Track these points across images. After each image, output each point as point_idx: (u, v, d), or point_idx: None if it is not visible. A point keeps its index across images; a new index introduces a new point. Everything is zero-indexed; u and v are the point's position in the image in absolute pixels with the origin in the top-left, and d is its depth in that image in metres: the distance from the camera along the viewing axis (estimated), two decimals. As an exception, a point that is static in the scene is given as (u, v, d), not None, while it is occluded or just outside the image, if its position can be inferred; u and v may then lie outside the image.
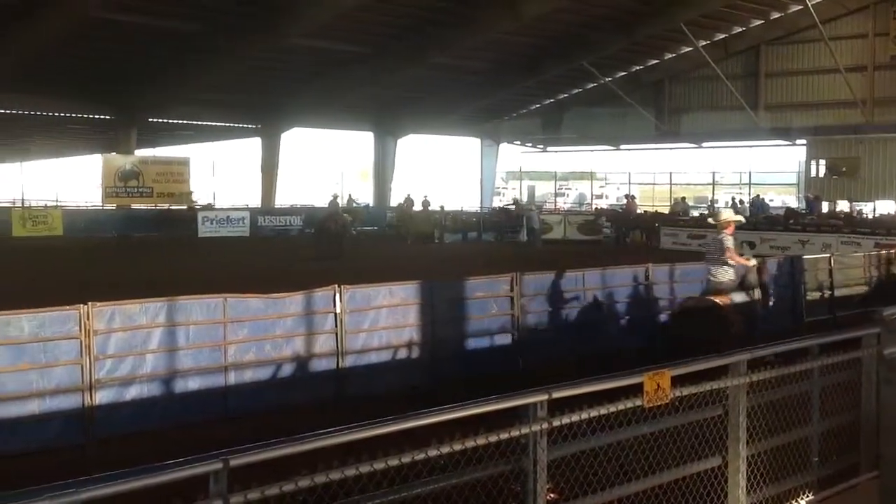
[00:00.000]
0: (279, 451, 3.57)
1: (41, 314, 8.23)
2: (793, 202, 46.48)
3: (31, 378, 8.10)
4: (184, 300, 9.35)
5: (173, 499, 3.31)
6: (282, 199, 44.99)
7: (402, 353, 11.11)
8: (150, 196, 40.36)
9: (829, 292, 16.77)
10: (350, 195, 39.16)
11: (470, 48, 35.42)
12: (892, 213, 37.49)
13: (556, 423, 4.64)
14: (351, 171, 56.07)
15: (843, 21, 38.14)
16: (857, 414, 6.78)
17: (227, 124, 45.14)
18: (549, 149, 52.15)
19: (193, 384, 9.28)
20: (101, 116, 40.06)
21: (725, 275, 11.67)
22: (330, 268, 21.05)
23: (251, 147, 47.10)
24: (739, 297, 11.74)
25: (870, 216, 37.19)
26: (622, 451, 5.37)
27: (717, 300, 11.51)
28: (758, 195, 43.49)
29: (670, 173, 48.79)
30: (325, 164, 61.81)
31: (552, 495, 4.91)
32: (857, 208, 38.95)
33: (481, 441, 4.20)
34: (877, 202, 39.73)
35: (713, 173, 47.56)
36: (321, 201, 40.16)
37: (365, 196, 48.15)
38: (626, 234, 37.08)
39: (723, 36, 40.34)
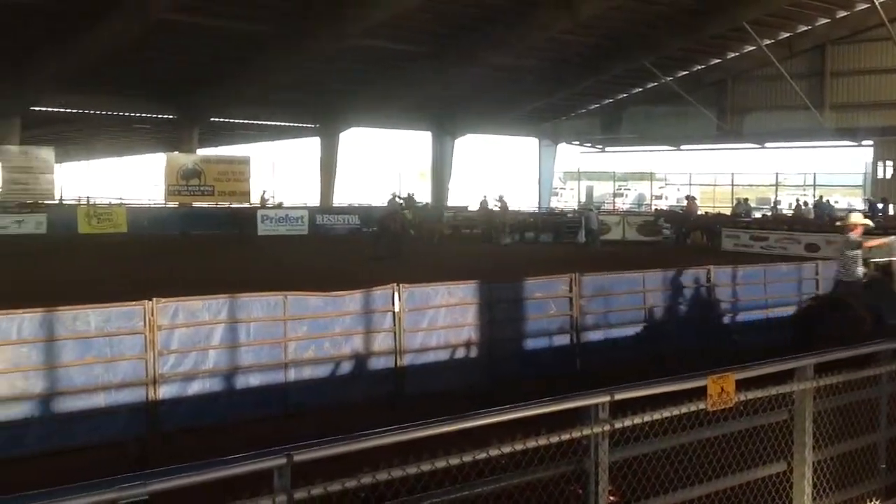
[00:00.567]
0: (342, 447, 3.58)
1: (107, 309, 8.39)
2: (858, 204, 45.51)
3: (98, 372, 8.26)
4: (245, 297, 9.45)
5: (235, 494, 3.34)
6: (340, 199, 45.35)
7: (460, 353, 11.11)
8: (210, 194, 40.94)
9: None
10: (411, 194, 39.20)
11: (528, 47, 35.30)
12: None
13: (618, 425, 4.60)
14: (409, 170, 56.27)
15: (911, 19, 37.22)
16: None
17: (287, 124, 45.61)
18: (607, 149, 51.70)
19: (254, 380, 9.37)
20: (165, 116, 40.80)
21: (856, 273, 11.55)
22: (389, 267, 21.16)
23: (310, 146, 47.58)
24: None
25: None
26: (684, 455, 5.30)
27: (847, 298, 11.42)
28: (822, 197, 42.68)
29: (732, 174, 48.09)
30: (382, 164, 62.10)
31: (613, 498, 4.87)
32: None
33: (543, 442, 4.18)
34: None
35: (776, 174, 46.76)
36: (379, 201, 40.35)
37: (423, 196, 48.28)
38: (686, 235, 36.61)
39: (787, 35, 39.59)
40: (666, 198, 56.72)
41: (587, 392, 4.56)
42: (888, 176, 39.77)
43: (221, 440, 8.19)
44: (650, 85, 44.06)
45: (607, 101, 47.28)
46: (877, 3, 33.89)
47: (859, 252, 11.64)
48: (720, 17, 35.04)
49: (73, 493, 2.89)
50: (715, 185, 50.28)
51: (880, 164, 39.97)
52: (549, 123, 50.04)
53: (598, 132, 49.68)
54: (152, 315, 8.51)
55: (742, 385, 5.14)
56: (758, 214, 41.20)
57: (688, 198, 42.12)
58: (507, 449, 4.04)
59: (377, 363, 10.34)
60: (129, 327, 8.46)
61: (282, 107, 41.84)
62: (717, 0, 33.97)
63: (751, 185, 51.78)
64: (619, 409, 4.69)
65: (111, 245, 30.63)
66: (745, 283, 14.12)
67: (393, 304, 10.37)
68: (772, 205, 46.66)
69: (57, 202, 40.12)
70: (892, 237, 12.38)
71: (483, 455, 3.95)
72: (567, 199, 58.00)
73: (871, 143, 40.14)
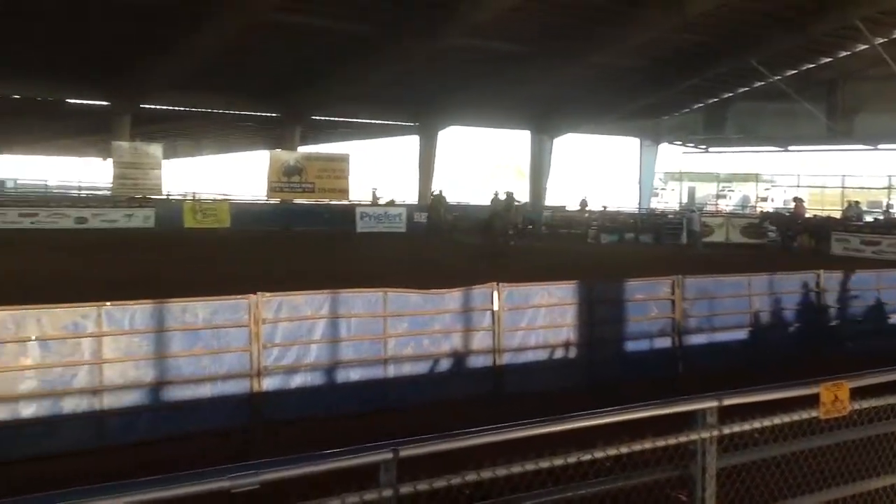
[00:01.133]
0: (448, 443, 3.58)
1: (214, 302, 8.59)
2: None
3: (205, 363, 8.46)
4: (346, 293, 9.56)
5: (338, 487, 3.37)
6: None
7: (559, 353, 11.03)
8: (311, 191, 41.60)
9: None
10: (511, 193, 39.07)
11: (633, 46, 34.81)
12: None
13: (726, 430, 4.50)
14: (506, 169, 56.26)
15: None
16: None
17: (387, 122, 46.05)
18: (711, 149, 50.66)
19: (354, 375, 9.48)
20: (268, 114, 41.70)
21: None
22: (489, 265, 21.17)
23: (409, 144, 47.98)
24: None
25: None
26: (794, 463, 5.16)
27: None
28: (937, 200, 41.03)
29: (842, 176, 46.54)
30: (480, 162, 62.22)
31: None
32: None
33: (649, 445, 4.11)
34: None
35: (889, 177, 45.05)
36: (477, 199, 40.40)
37: (521, 195, 48.18)
38: (792, 238, 35.61)
39: (902, 33, 38.13)
40: (772, 200, 55.27)
41: (695, 396, 4.47)
42: None
43: (322, 433, 8.32)
44: (757, 84, 42.95)
45: (711, 101, 46.30)
46: None
47: None
48: (832, 15, 33.91)
49: (188, 480, 2.96)
50: (824, 187, 48.76)
51: None
52: (651, 123, 49.30)
53: (702, 132, 48.72)
54: (257, 308, 8.68)
55: (857, 393, 4.97)
56: (869, 218, 39.75)
57: (795, 200, 40.94)
58: (612, 451, 3.98)
59: (475, 361, 10.35)
60: (234, 320, 8.65)
61: (382, 105, 42.25)
62: (828, -4, 32.96)
63: (862, 188, 50.04)
64: (725, 414, 4.60)
65: (215, 239, 31.44)
66: (858, 288, 13.63)
67: (492, 302, 10.36)
68: (884, 208, 44.98)
69: (164, 197, 41.35)
70: None
71: (588, 457, 3.91)
72: (668, 200, 57.05)
73: None
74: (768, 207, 49.48)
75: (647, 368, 11.45)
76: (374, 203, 40.56)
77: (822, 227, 34.94)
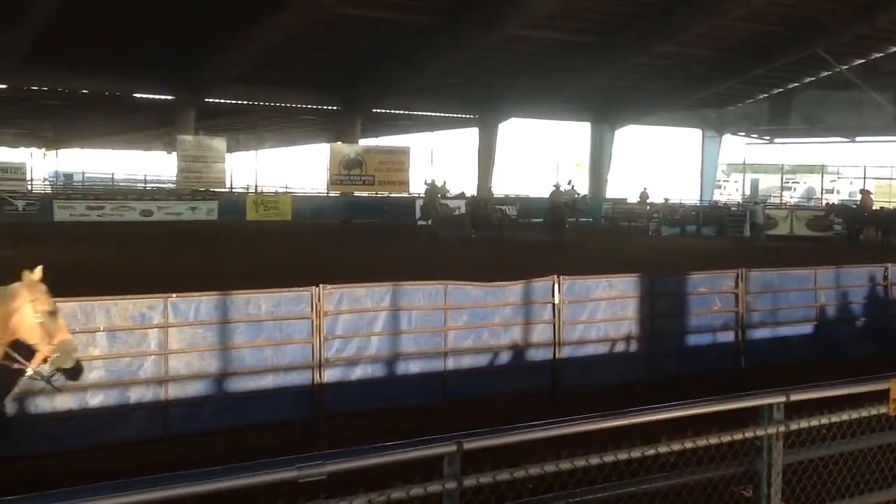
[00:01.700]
0: (512, 437, 3.59)
1: (277, 294, 8.67)
2: None
3: (267, 354, 8.55)
4: (407, 286, 9.58)
5: (401, 478, 3.39)
6: (497, 188, 45.51)
7: (620, 347, 10.93)
8: (371, 184, 41.83)
9: None
10: (572, 185, 38.84)
11: (695, 35, 34.35)
12: None
13: (793, 426, 4.43)
14: (566, 160, 55.93)
15: None
16: None
17: (447, 114, 46.10)
18: (775, 140, 49.77)
19: (414, 367, 9.50)
20: (329, 107, 42.02)
21: None
22: (549, 257, 21.11)
23: (468, 136, 47.96)
24: None
25: None
26: (862, 460, 5.07)
27: None
28: None
29: (912, 168, 45.44)
30: (539, 154, 61.91)
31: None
32: None
33: (714, 440, 4.06)
34: None
35: (960, 168, 43.86)
36: (536, 191, 40.24)
37: (581, 187, 47.88)
38: (858, 231, 34.87)
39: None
40: (838, 192, 54.19)
41: (762, 391, 4.41)
42: None
43: (383, 425, 8.38)
44: (823, 74, 42.08)
45: (776, 90, 45.48)
46: None
47: None
48: (901, 2, 33.11)
49: (258, 469, 3.00)
50: (892, 178, 47.63)
51: None
52: (714, 113, 48.63)
53: (766, 123, 47.92)
54: (319, 301, 8.74)
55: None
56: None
57: (862, 191, 40.04)
58: (677, 446, 3.95)
59: (535, 354, 10.29)
60: (297, 312, 8.72)
61: (443, 97, 42.30)
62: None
63: (931, 179, 48.81)
64: (792, 410, 4.53)
65: (276, 232, 31.80)
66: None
67: (553, 295, 10.31)
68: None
69: (227, 190, 41.96)
70: None
71: (652, 451, 3.88)
72: (730, 193, 56.24)
73: None
74: (834, 199, 48.48)
75: (709, 363, 11.30)
76: (443, 196, 40.53)
77: (889, 220, 34.16)
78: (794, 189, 57.30)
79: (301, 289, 8.77)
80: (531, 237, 29.85)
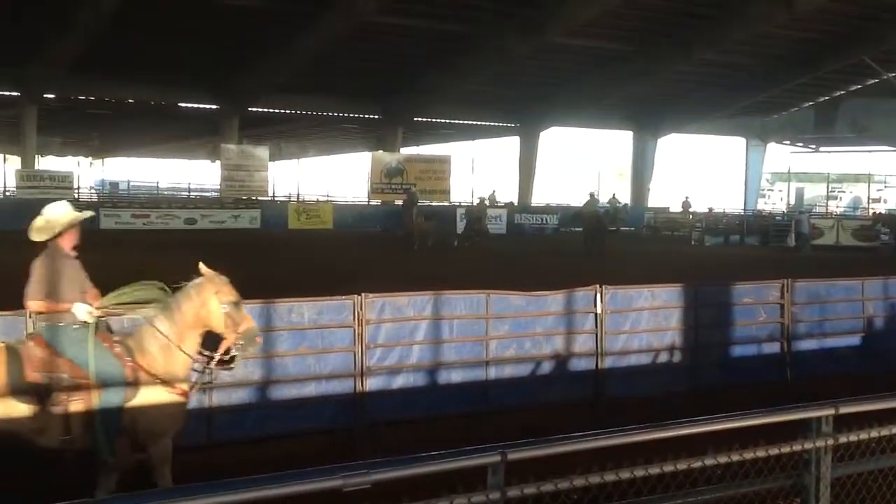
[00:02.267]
0: (556, 447, 3.57)
1: (320, 302, 8.70)
2: None
3: (310, 362, 8.58)
4: (449, 295, 9.57)
5: (444, 488, 3.38)
6: (538, 198, 45.39)
7: (663, 357, 10.83)
8: (412, 193, 41.91)
9: None
10: (613, 194, 38.72)
11: (738, 43, 34.06)
12: None
13: (842, 439, 4.36)
14: (607, 170, 55.65)
15: None
16: None
17: (487, 123, 46.11)
18: (821, 149, 49.12)
19: (456, 377, 9.48)
20: (371, 116, 42.22)
21: None
22: (590, 267, 20.98)
23: (509, 145, 47.90)
24: None
25: None
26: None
27: None
28: None
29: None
30: (580, 163, 61.65)
31: None
32: None
33: (762, 453, 4.00)
34: None
35: None
36: (577, 200, 40.05)
37: (622, 196, 47.62)
38: (906, 241, 34.29)
39: None
40: (885, 201, 53.26)
41: (811, 404, 4.35)
42: None
43: (425, 434, 8.37)
44: (869, 81, 41.49)
45: (822, 98, 44.92)
46: None
47: None
48: (951, 8, 32.57)
49: (303, 477, 3.01)
50: (940, 187, 46.82)
51: None
52: (758, 122, 48.15)
53: (811, 131, 47.33)
54: (361, 309, 8.76)
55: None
56: None
57: (910, 201, 39.43)
58: (723, 459, 3.90)
59: (577, 364, 10.23)
60: (339, 320, 8.75)
61: (482, 106, 42.34)
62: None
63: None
64: (841, 423, 4.46)
65: (318, 240, 31.95)
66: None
67: (595, 305, 10.24)
68: None
69: (270, 198, 42.30)
70: None
71: (699, 464, 3.83)
72: (775, 202, 55.54)
73: None
74: (881, 209, 47.66)
75: (754, 374, 11.16)
76: (492, 205, 40.46)
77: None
78: (840, 198, 56.39)
79: (343, 297, 8.80)
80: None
